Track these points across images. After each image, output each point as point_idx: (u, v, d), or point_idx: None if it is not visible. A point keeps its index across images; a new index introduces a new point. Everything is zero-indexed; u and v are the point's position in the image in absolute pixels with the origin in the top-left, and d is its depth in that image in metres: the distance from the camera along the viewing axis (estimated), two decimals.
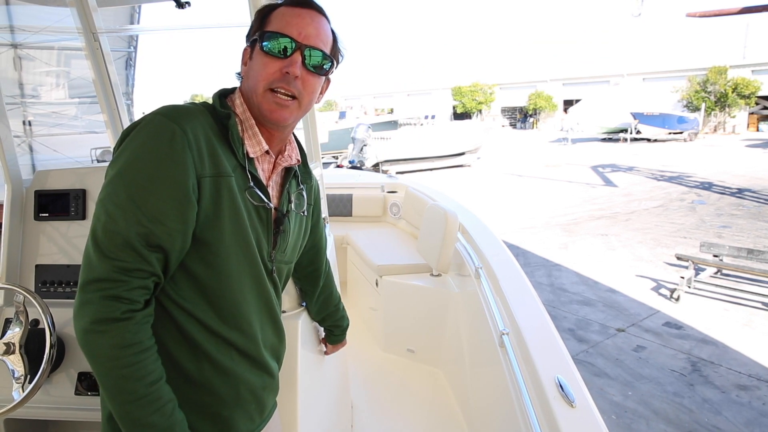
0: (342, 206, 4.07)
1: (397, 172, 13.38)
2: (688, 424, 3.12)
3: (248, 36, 0.97)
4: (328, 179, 4.57)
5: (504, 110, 40.47)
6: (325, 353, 1.51)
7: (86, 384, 1.44)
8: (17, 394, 1.26)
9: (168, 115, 0.83)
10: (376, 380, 2.70)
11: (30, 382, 1.26)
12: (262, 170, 0.98)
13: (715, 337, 4.27)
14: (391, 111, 40.03)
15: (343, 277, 3.65)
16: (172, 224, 0.81)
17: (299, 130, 1.28)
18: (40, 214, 1.59)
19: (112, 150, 1.15)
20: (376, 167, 14.79)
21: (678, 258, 5.53)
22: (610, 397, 3.43)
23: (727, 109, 26.93)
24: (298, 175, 1.08)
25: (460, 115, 38.26)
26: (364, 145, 15.04)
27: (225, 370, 0.92)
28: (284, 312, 1.33)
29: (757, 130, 27.00)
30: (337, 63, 1.00)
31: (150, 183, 0.80)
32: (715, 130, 27.42)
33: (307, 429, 1.33)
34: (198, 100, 1.03)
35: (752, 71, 27.00)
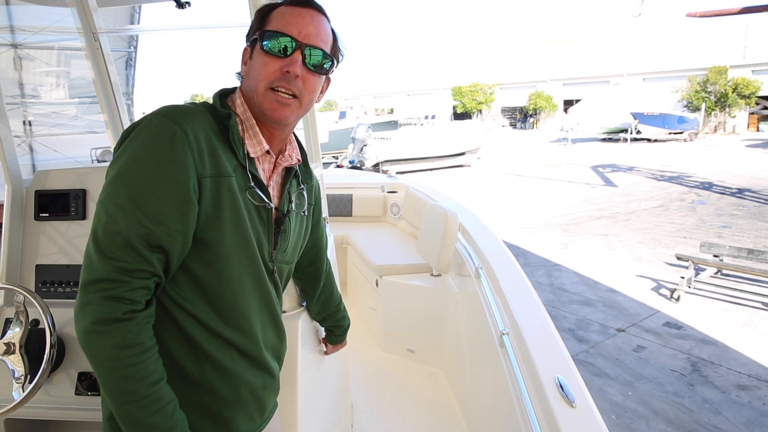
0: (342, 206, 4.07)
1: (397, 172, 13.37)
2: (688, 424, 3.12)
3: (248, 36, 0.96)
4: (328, 179, 4.56)
5: (504, 110, 40.46)
6: (326, 353, 1.50)
7: (86, 384, 1.44)
8: (17, 394, 1.26)
9: (168, 115, 0.83)
10: (376, 380, 2.70)
11: (30, 382, 1.26)
12: (263, 170, 0.98)
13: (715, 337, 4.27)
14: (391, 111, 40.04)
15: (343, 277, 3.65)
16: (172, 224, 0.81)
17: (299, 130, 1.28)
18: (41, 214, 1.59)
19: (112, 150, 1.15)
20: (376, 167, 14.78)
21: (678, 258, 5.53)
22: (610, 397, 3.43)
23: (727, 109, 26.93)
24: (299, 175, 1.08)
25: (460, 115, 38.23)
26: (364, 145, 15.04)
27: (226, 370, 0.92)
28: (284, 312, 1.33)
29: (758, 130, 26.99)
30: (338, 62, 1.00)
31: (150, 183, 0.80)
32: (715, 130, 27.41)
33: (307, 429, 1.33)
34: (198, 100, 1.03)
35: (752, 71, 27.00)
